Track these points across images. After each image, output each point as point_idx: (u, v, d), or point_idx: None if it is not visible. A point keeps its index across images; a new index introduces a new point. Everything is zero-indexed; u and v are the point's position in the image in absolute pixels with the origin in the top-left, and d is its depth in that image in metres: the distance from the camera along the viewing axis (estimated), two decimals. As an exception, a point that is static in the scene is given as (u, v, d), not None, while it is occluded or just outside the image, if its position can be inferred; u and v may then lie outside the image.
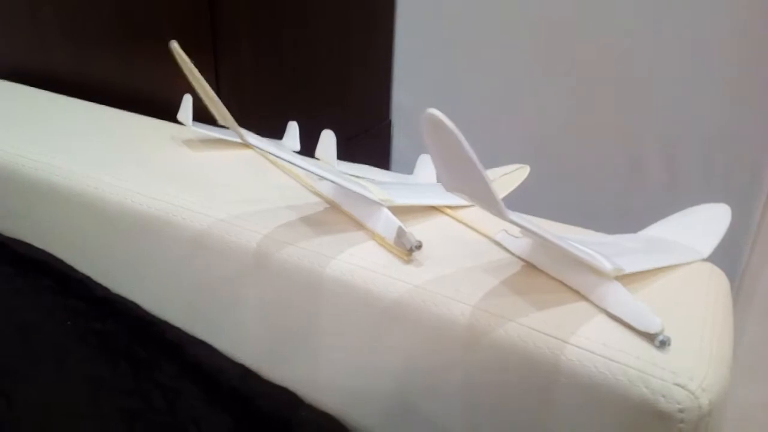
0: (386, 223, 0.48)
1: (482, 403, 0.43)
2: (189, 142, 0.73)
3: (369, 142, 1.20)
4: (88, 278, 0.63)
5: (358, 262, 0.47)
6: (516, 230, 0.50)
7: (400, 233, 0.46)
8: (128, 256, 0.60)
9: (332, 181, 0.47)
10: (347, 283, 0.46)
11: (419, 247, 0.45)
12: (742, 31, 0.93)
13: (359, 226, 0.51)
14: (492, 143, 1.16)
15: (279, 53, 0.89)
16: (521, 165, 0.64)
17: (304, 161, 0.49)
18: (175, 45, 0.49)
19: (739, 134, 0.98)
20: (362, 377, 0.48)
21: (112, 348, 0.55)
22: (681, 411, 0.36)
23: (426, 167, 0.69)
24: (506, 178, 0.63)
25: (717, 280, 0.49)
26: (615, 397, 0.38)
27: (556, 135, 1.11)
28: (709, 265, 0.51)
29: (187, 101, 0.74)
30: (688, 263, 0.50)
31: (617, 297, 0.41)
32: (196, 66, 0.53)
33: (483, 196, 0.35)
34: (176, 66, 0.54)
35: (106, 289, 0.62)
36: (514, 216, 0.36)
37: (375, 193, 0.50)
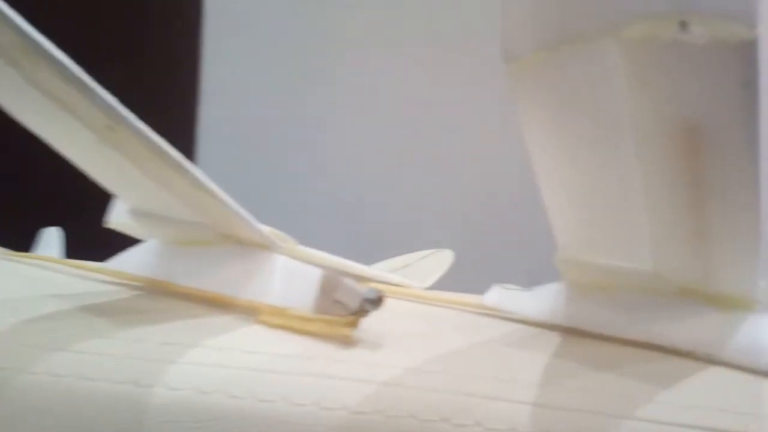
0: (291, 278, 0.23)
1: None
2: None
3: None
4: None
5: (238, 360, 0.21)
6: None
7: (332, 284, 0.21)
8: None
9: (213, 193, 0.22)
10: (220, 409, 0.19)
11: (378, 301, 0.21)
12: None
13: (221, 306, 0.25)
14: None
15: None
16: (437, 249, 0.49)
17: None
18: None
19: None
20: None
21: None
22: None
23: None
24: (424, 263, 0.46)
25: None
26: None
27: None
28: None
29: None
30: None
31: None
32: None
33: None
34: None
35: None
36: None
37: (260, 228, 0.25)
